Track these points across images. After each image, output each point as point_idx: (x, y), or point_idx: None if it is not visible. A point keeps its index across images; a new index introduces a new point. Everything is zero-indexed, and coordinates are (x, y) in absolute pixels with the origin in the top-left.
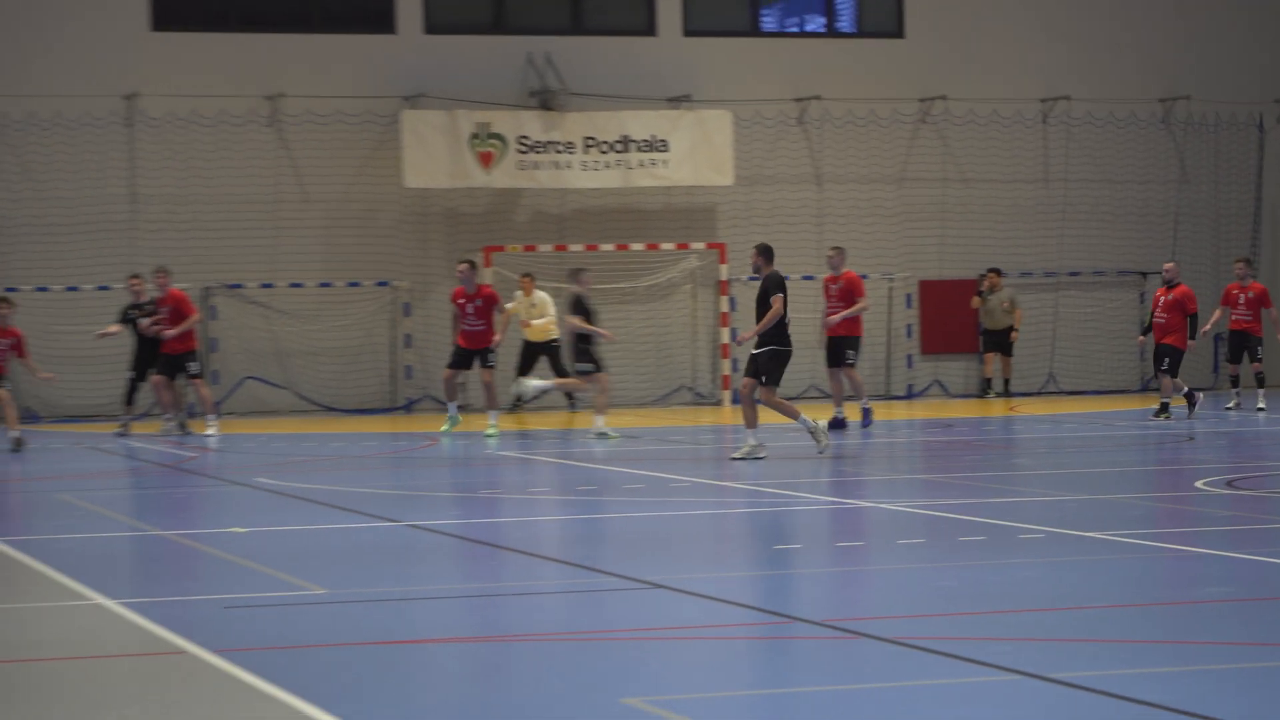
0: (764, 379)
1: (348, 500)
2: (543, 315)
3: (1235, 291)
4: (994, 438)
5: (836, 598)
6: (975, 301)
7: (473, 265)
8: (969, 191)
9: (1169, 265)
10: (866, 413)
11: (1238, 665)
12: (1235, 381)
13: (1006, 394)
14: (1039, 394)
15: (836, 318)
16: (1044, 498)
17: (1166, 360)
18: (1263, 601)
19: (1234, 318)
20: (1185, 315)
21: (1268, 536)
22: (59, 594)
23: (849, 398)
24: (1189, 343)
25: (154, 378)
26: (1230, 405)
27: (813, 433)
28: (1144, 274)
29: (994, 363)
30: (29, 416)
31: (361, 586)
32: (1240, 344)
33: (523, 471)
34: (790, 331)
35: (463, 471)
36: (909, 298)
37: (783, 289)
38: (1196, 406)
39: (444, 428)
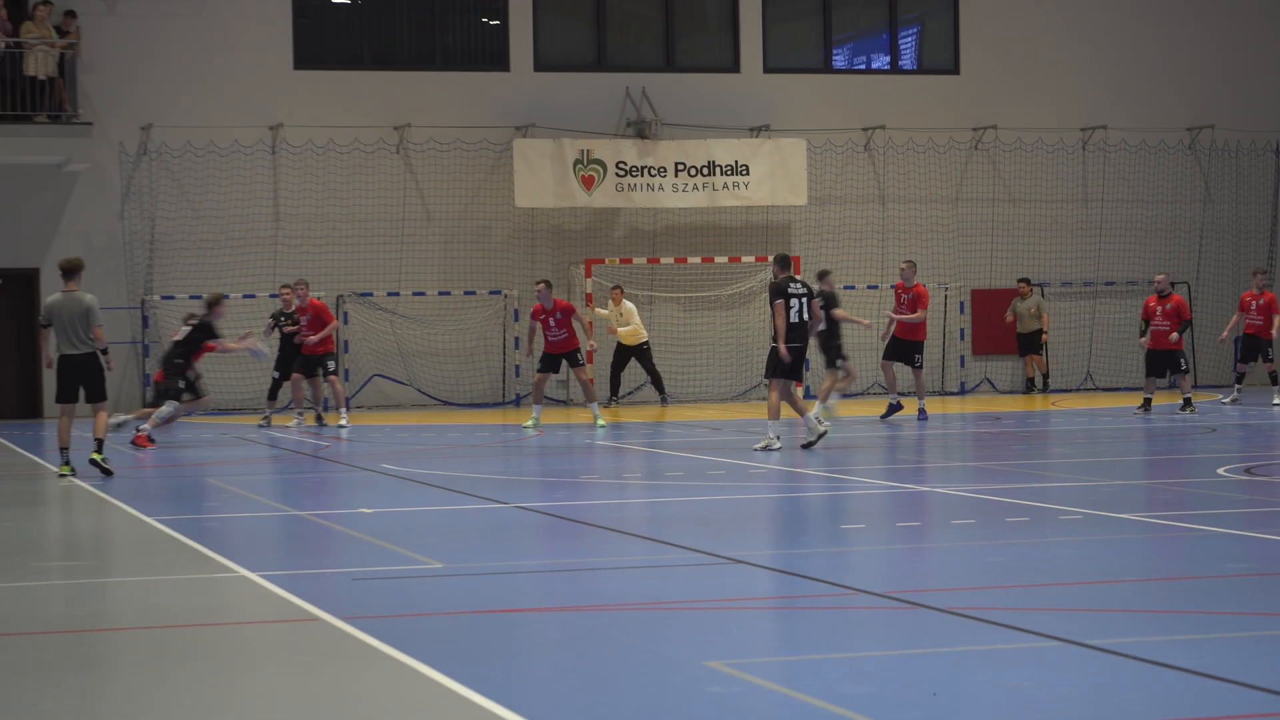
0: (766, 371)
1: (462, 484)
2: (628, 324)
3: (1248, 299)
4: (1036, 429)
5: (896, 572)
6: (1008, 316)
7: (548, 285)
8: (1016, 210)
9: (1160, 276)
10: (922, 410)
11: (1258, 633)
12: (1240, 378)
13: (1045, 389)
14: (1078, 390)
15: (898, 317)
16: (1081, 483)
17: (1183, 361)
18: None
19: (1247, 322)
20: (1181, 320)
21: None
22: (208, 567)
23: (908, 393)
24: (1173, 337)
25: (293, 376)
26: (1227, 400)
27: (768, 440)
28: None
29: (1033, 363)
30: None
31: (473, 561)
32: (1253, 346)
33: (618, 459)
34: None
35: (564, 459)
36: (962, 305)
37: (782, 295)
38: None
39: (527, 424)
